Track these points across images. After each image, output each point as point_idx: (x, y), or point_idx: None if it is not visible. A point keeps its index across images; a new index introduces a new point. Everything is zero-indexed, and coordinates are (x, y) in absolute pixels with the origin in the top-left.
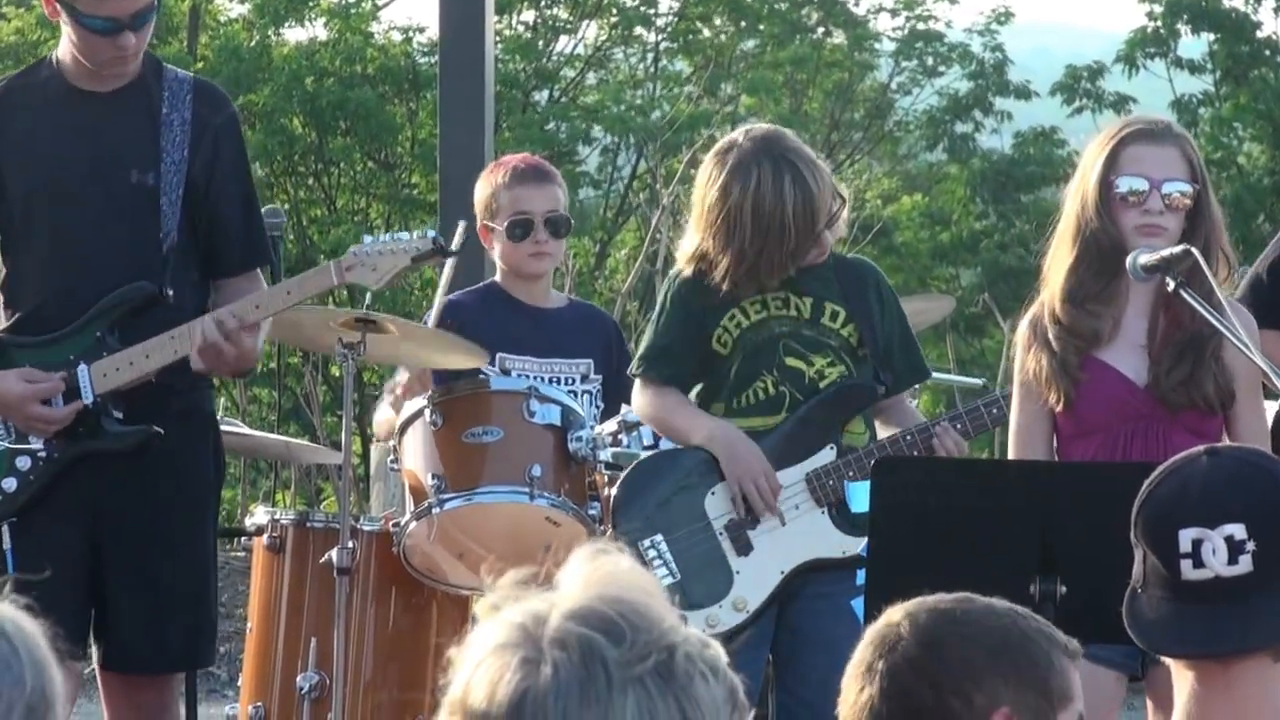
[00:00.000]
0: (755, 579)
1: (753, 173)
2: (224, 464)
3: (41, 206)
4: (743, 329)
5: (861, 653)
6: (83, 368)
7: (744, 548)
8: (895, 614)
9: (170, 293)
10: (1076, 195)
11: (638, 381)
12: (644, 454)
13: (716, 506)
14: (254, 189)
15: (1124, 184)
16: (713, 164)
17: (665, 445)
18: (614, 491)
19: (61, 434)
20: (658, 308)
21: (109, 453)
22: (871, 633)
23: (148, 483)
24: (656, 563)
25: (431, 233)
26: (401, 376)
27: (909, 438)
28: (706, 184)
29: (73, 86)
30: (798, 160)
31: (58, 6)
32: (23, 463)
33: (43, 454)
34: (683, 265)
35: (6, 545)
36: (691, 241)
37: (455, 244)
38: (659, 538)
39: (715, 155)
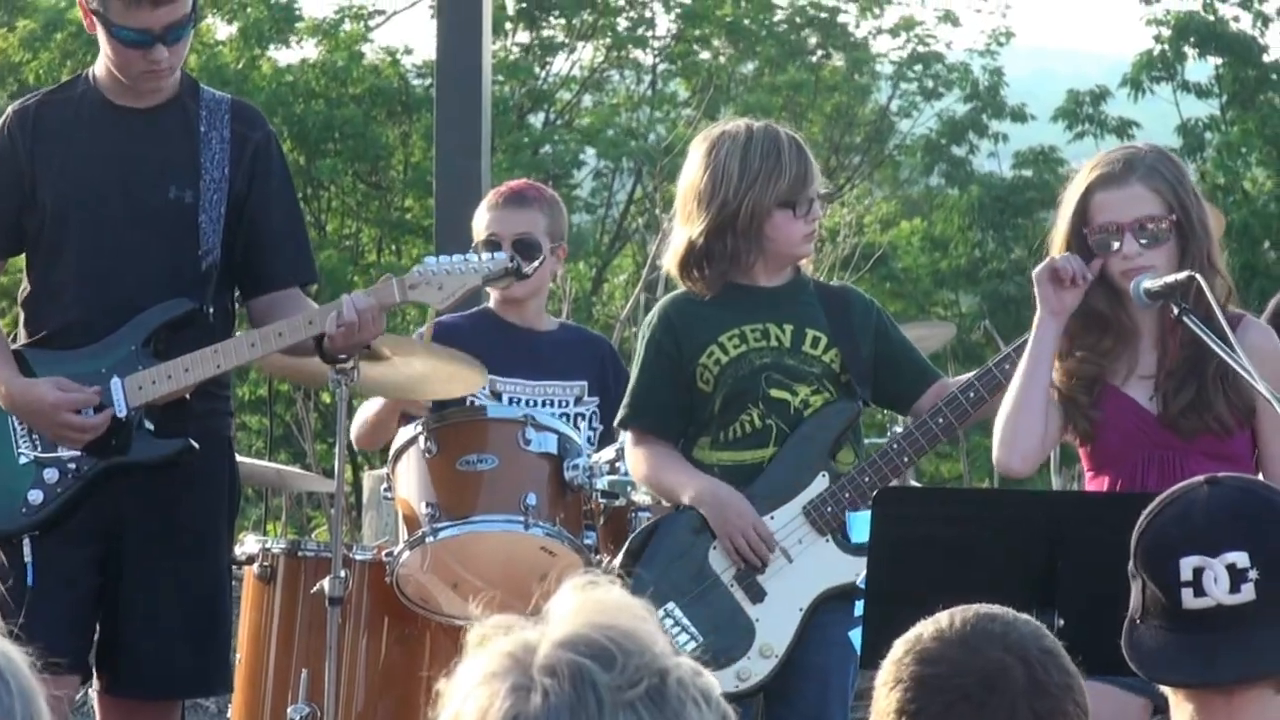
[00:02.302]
0: (776, 623)
1: (742, 133)
2: (239, 489)
3: (73, 222)
4: (723, 365)
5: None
6: (116, 380)
7: (758, 594)
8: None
9: (211, 310)
10: (1059, 245)
11: (627, 435)
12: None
13: (720, 561)
14: (299, 205)
15: (1097, 241)
16: (697, 144)
17: None
18: (616, 564)
19: (92, 447)
20: (637, 354)
21: (141, 466)
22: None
23: (164, 506)
24: (675, 630)
25: (504, 254)
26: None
27: (922, 427)
28: (691, 162)
29: (109, 102)
30: (792, 133)
31: (94, 20)
32: (50, 475)
33: (72, 466)
34: (671, 267)
35: (28, 558)
36: (677, 240)
37: (530, 268)
38: (672, 605)
39: (700, 137)
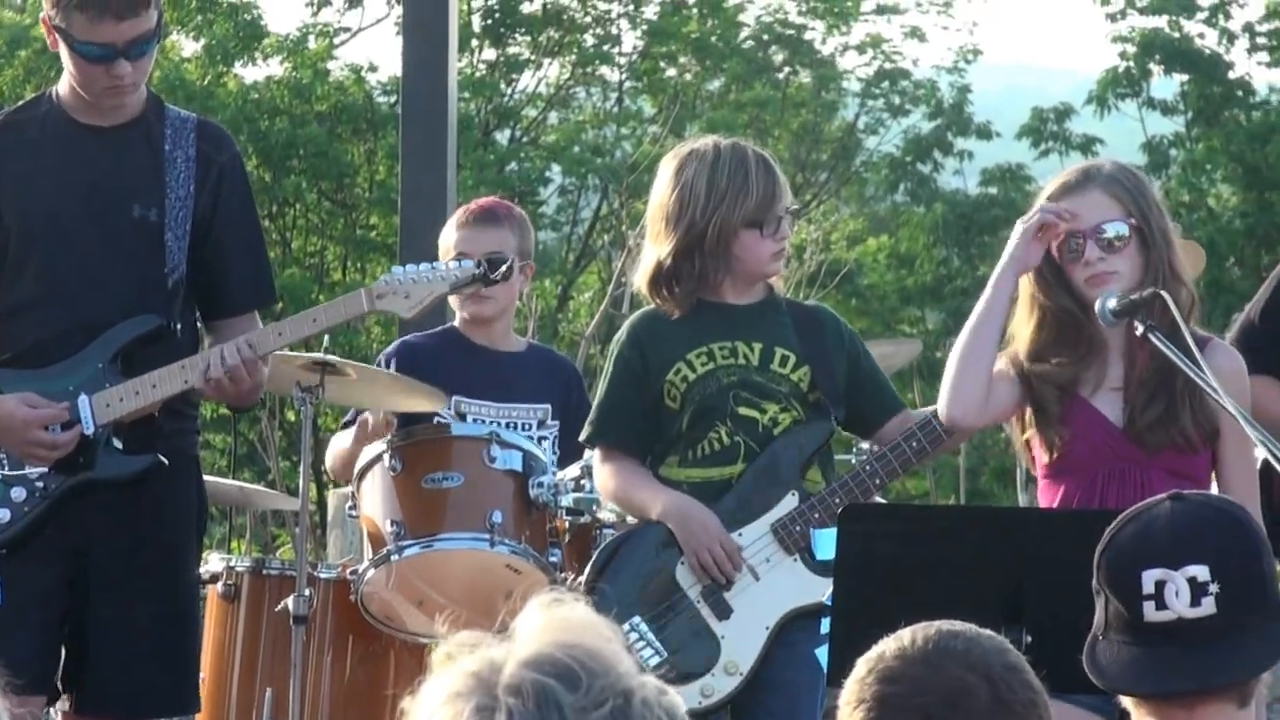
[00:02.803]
0: (742, 640)
1: (710, 152)
2: (207, 508)
3: (39, 240)
4: (690, 382)
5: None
6: (83, 398)
7: (724, 611)
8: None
9: (178, 326)
10: None
11: (595, 452)
12: (607, 512)
13: (687, 577)
14: (260, 228)
15: (1060, 246)
16: (666, 162)
17: None
18: (584, 578)
19: (59, 465)
20: (605, 370)
21: (109, 483)
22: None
23: (132, 524)
24: (640, 644)
25: (471, 262)
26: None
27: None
28: (660, 181)
29: (73, 120)
30: (760, 150)
31: (57, 37)
32: (17, 493)
33: (39, 485)
34: (641, 285)
35: None
36: (646, 259)
37: (498, 274)
38: (637, 619)
39: (669, 156)
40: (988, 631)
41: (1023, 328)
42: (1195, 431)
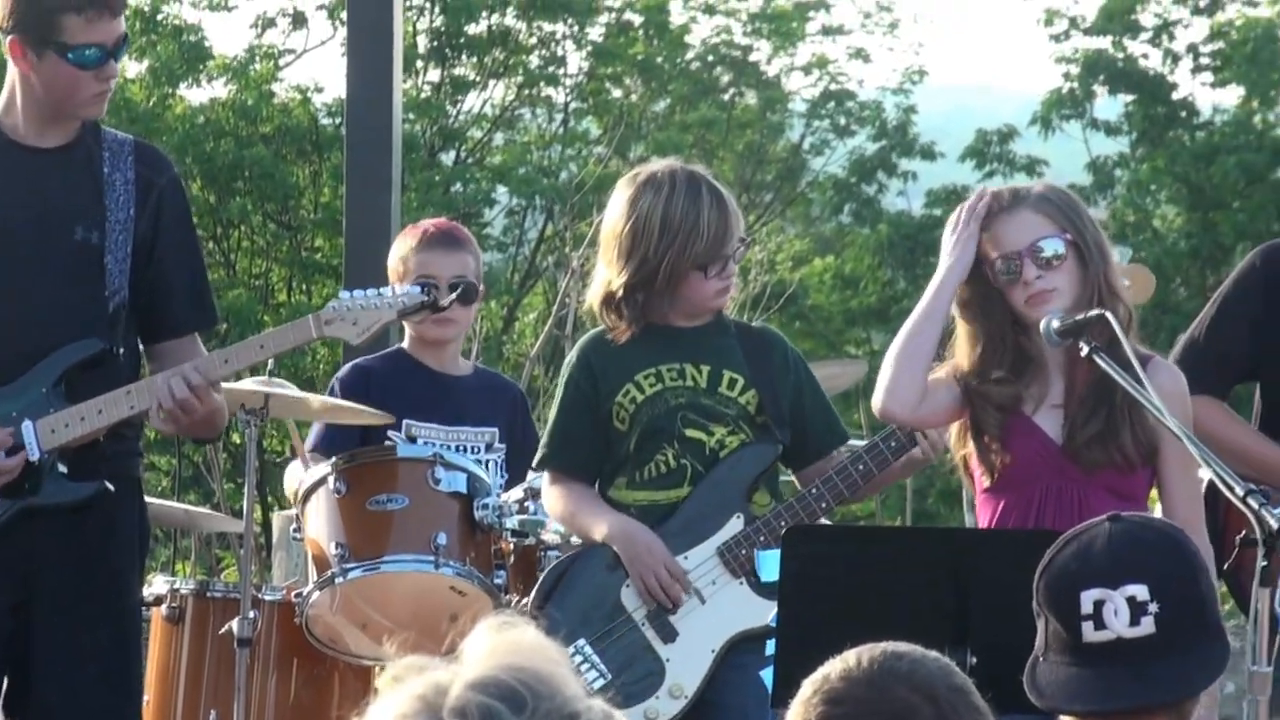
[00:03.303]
0: (687, 663)
1: (665, 183)
2: (149, 530)
3: None
4: (638, 404)
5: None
6: (27, 424)
7: (669, 634)
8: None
9: (121, 350)
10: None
11: (545, 474)
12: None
13: (633, 599)
14: (200, 250)
15: (997, 267)
16: (623, 186)
17: None
18: (529, 600)
19: (4, 490)
20: (556, 393)
21: (55, 509)
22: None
23: (78, 549)
24: (585, 667)
25: (417, 288)
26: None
27: (842, 472)
28: (614, 206)
29: (12, 142)
30: (714, 181)
31: (33, 52)
32: None
33: None
34: (593, 303)
35: None
36: (599, 280)
37: (446, 300)
38: (582, 642)
39: (626, 179)
40: (933, 653)
41: (964, 352)
42: (1134, 449)
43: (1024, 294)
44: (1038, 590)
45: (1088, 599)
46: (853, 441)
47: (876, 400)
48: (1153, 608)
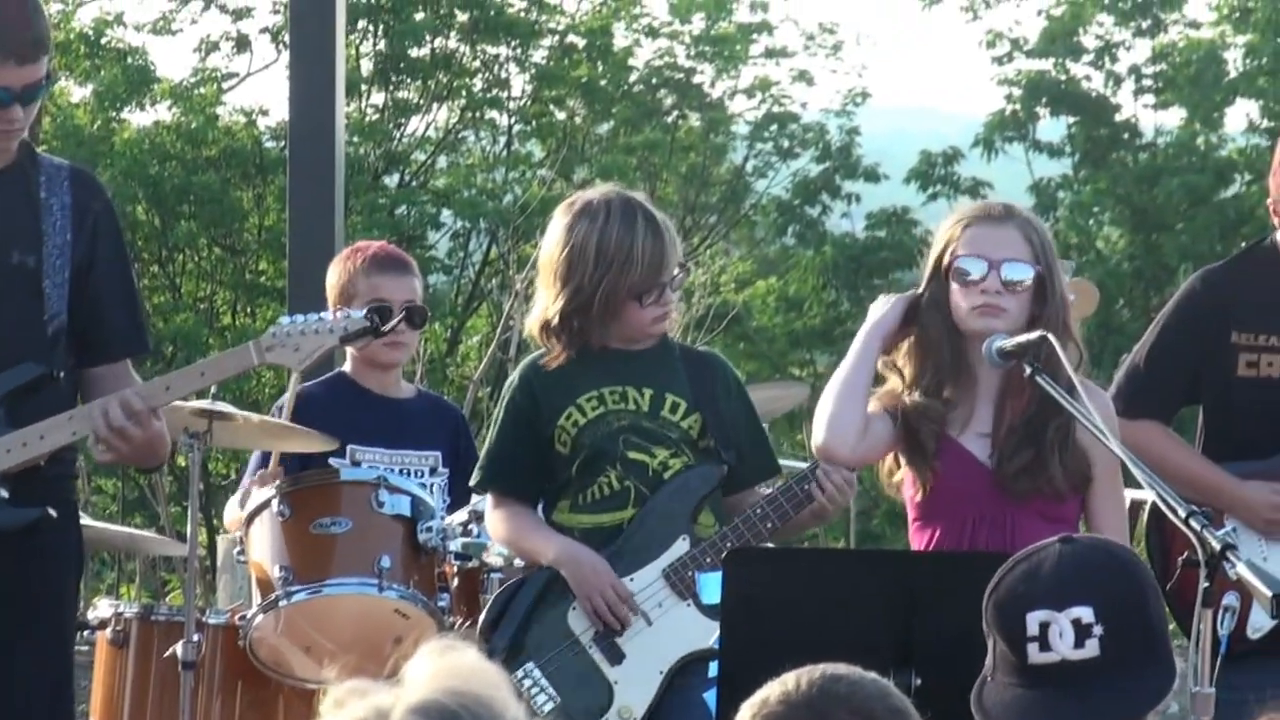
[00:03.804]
0: (635, 685)
1: (601, 211)
2: (84, 556)
3: None
4: (580, 427)
5: None
6: None
7: (617, 656)
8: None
9: (61, 374)
10: (926, 281)
11: (486, 498)
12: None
13: (580, 621)
14: (133, 274)
15: (963, 264)
16: (560, 212)
17: None
18: (479, 624)
19: None
20: (496, 416)
21: None
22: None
23: (14, 573)
24: (534, 690)
25: (360, 313)
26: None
27: (787, 492)
28: (552, 233)
29: None
30: (651, 209)
31: None
32: None
33: None
34: (533, 329)
35: None
36: (538, 306)
37: (388, 326)
38: (530, 665)
39: (564, 206)
40: (871, 675)
41: (905, 358)
42: (1064, 481)
43: (977, 300)
44: (986, 611)
45: (1033, 620)
46: (793, 463)
47: (817, 439)
48: (1098, 630)
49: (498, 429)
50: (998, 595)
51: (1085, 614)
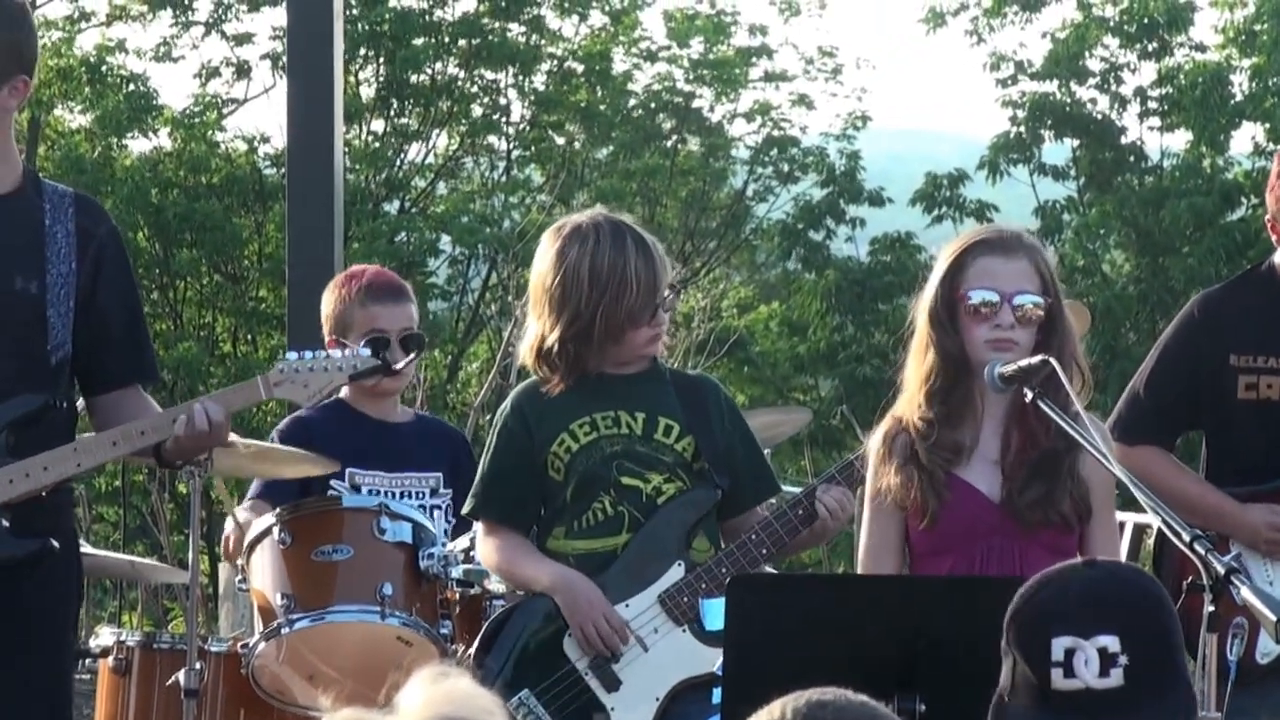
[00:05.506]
0: (632, 711)
1: (591, 235)
2: (84, 583)
3: None
4: (573, 453)
5: None
6: None
7: (612, 683)
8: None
9: (65, 404)
10: (925, 309)
11: (478, 525)
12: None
13: (575, 649)
14: (140, 302)
15: (974, 296)
16: (548, 238)
17: None
18: (472, 652)
19: None
20: (489, 442)
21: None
22: None
23: (13, 601)
24: (529, 717)
25: (368, 351)
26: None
27: (782, 518)
28: (542, 259)
29: None
30: (640, 231)
31: None
32: None
33: None
34: (526, 357)
35: None
36: (531, 333)
37: (400, 365)
38: (526, 693)
39: (551, 230)
40: (860, 698)
41: (912, 386)
42: (1073, 512)
43: (991, 334)
44: (1008, 630)
45: (1059, 646)
46: (791, 489)
47: None
48: (1123, 660)
49: (490, 456)
50: (1022, 617)
51: (1111, 643)
